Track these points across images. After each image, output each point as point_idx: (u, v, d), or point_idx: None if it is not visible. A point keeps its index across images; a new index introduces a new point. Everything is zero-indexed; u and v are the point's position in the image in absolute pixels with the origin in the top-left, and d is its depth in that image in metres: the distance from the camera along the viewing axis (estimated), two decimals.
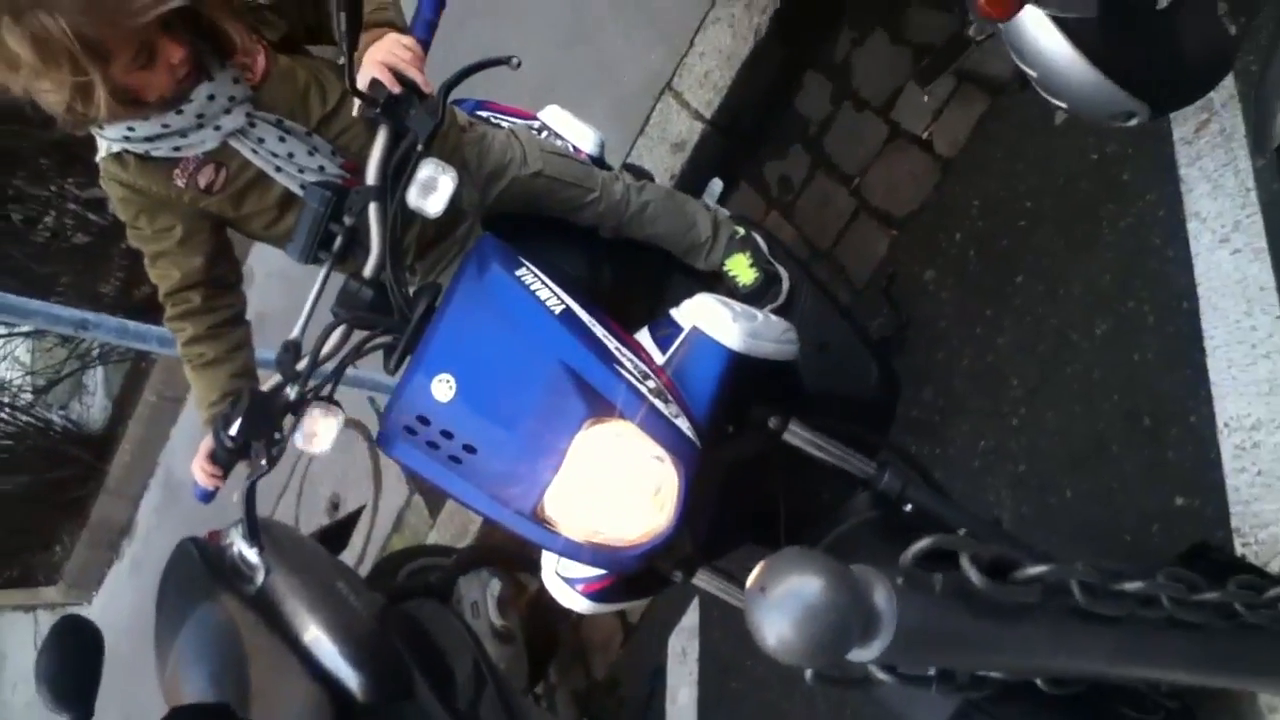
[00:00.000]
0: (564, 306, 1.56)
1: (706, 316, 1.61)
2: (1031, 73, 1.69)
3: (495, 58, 1.67)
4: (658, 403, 1.51)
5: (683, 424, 1.51)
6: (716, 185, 2.62)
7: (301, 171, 1.88)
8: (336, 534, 3.13)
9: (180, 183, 1.86)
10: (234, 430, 1.66)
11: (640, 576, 1.68)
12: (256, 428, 1.64)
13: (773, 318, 1.72)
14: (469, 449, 1.53)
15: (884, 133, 2.88)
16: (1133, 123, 1.70)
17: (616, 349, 1.55)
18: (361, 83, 1.64)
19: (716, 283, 2.30)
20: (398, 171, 1.63)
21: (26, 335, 5.97)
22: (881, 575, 1.17)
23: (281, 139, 1.85)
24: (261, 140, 1.85)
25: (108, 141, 1.85)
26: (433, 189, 1.61)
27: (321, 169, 1.89)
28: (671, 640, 2.96)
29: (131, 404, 5.81)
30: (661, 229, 2.21)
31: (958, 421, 2.39)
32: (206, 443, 1.79)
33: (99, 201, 5.80)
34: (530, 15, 3.88)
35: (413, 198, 1.61)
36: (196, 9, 1.69)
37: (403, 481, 3.96)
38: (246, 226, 1.97)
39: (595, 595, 1.69)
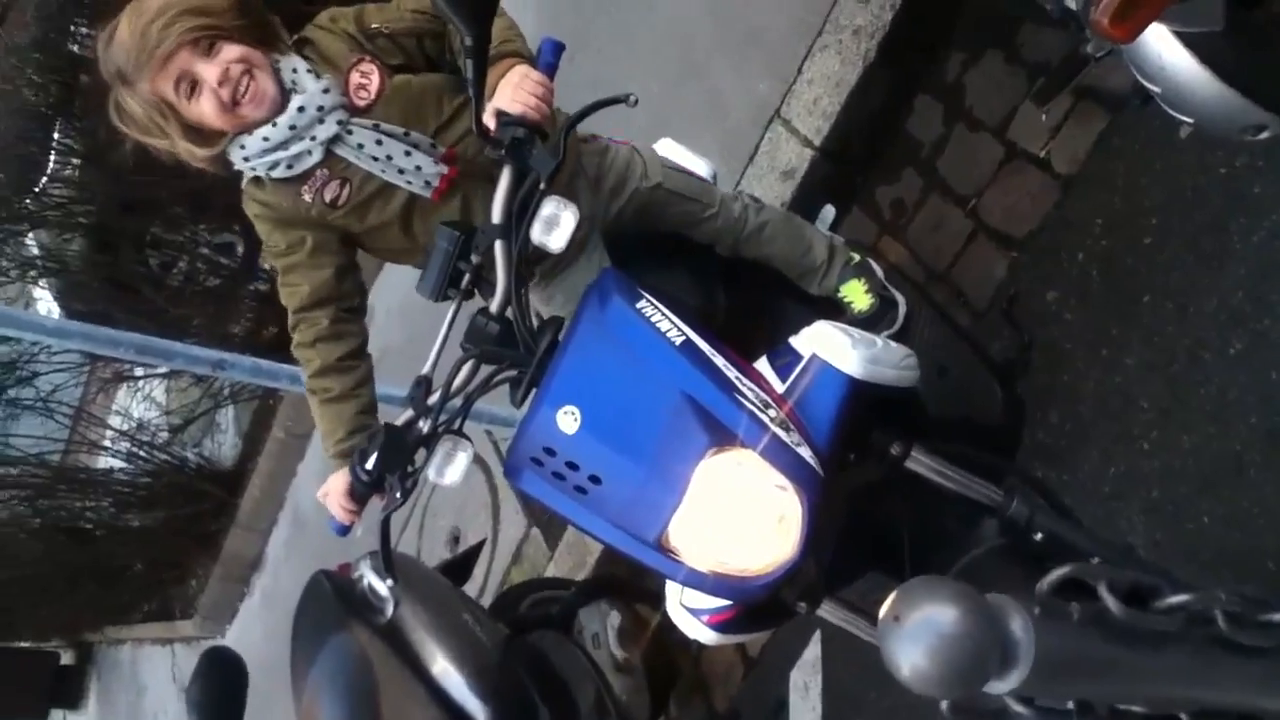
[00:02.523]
0: (684, 338, 1.58)
1: (826, 344, 1.61)
2: (1155, 89, 1.65)
3: (613, 96, 1.71)
4: (779, 431, 1.51)
5: (805, 452, 1.51)
6: (829, 212, 2.61)
7: (401, 172, 1.97)
8: (460, 567, 3.20)
9: (308, 198, 1.98)
10: (370, 464, 1.71)
11: (764, 608, 1.68)
12: (391, 462, 1.70)
13: (892, 344, 1.71)
14: (594, 479, 1.55)
15: (999, 153, 2.84)
16: (1264, 135, 1.64)
17: (737, 378, 1.56)
18: (489, 116, 1.71)
19: (831, 308, 2.29)
20: (521, 210, 1.68)
21: (163, 376, 6.24)
22: (1017, 604, 1.15)
23: (379, 141, 1.95)
24: (360, 146, 1.95)
25: (246, 171, 2.00)
26: (555, 225, 1.65)
27: (419, 168, 1.97)
28: (794, 674, 2.93)
29: (260, 440, 6.02)
30: (777, 250, 2.22)
31: (1086, 446, 2.32)
32: (342, 479, 1.86)
33: (229, 246, 6.06)
34: (639, 51, 3.93)
35: (536, 234, 1.65)
36: (210, 28, 1.85)
37: (521, 514, 4.02)
38: (373, 242, 2.06)
39: (720, 626, 1.69)
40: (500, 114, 1.73)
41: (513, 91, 1.75)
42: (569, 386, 1.57)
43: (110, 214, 5.81)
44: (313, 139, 1.92)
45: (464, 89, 2.00)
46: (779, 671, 2.98)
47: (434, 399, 1.70)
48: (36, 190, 5.88)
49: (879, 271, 2.29)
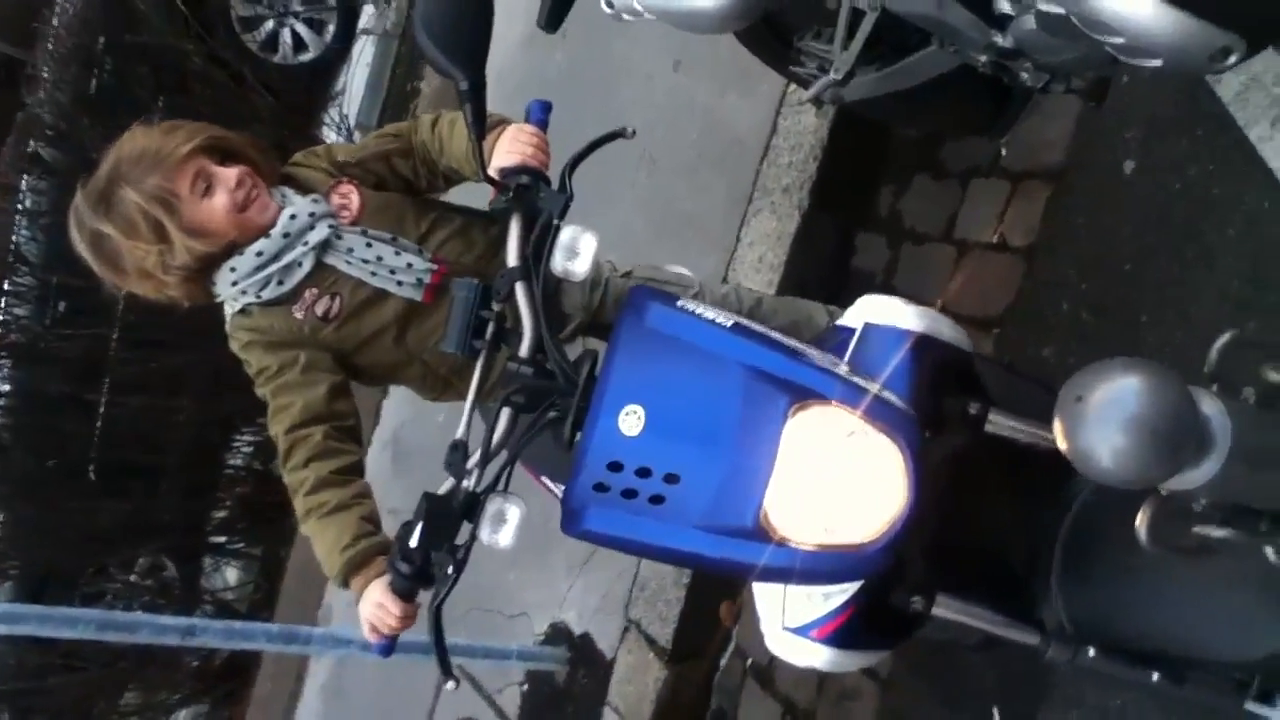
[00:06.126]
0: (734, 321, 1.50)
1: (876, 309, 1.55)
2: (1116, 40, 1.72)
3: (612, 131, 1.72)
4: (858, 380, 1.42)
5: (891, 397, 1.42)
6: None
7: (393, 272, 1.95)
8: None
9: (299, 316, 1.94)
10: (414, 541, 1.55)
11: (879, 615, 1.52)
12: (438, 536, 1.54)
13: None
14: (670, 479, 1.43)
15: (952, 253, 2.92)
16: (1232, 60, 1.70)
17: (797, 347, 1.49)
18: (492, 172, 1.72)
19: None
20: (536, 251, 1.63)
21: None
22: (1202, 389, 1.05)
23: (369, 244, 1.95)
24: (350, 250, 1.95)
25: (229, 304, 1.97)
26: (575, 252, 1.60)
27: (410, 265, 1.96)
28: None
29: None
30: (777, 324, 2.18)
31: None
32: (378, 588, 1.68)
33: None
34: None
35: (558, 264, 1.60)
36: (229, 145, 1.94)
37: None
38: (366, 358, 1.99)
39: (833, 639, 1.51)
40: (500, 171, 1.73)
41: (508, 145, 1.77)
42: (625, 388, 1.47)
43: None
44: (305, 245, 1.91)
45: (437, 207, 2.03)
46: None
47: (474, 460, 1.57)
48: None
49: None
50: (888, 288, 3.08)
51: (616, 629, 3.43)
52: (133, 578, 5.77)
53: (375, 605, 1.69)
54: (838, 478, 1.38)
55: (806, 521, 1.38)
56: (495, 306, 1.63)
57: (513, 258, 1.64)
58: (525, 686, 3.73)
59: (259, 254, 1.90)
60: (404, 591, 1.64)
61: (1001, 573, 1.59)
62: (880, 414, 1.38)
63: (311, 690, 5.03)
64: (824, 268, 3.27)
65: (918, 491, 1.37)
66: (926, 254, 3.00)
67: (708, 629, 3.22)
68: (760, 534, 1.39)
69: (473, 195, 2.04)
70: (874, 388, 1.41)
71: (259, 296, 1.93)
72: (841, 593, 1.47)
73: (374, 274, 1.94)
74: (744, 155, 3.46)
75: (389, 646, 1.72)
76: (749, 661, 3.13)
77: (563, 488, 2.29)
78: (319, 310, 1.94)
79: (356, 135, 5.94)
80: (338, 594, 4.77)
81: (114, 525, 5.59)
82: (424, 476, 1.73)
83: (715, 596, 3.20)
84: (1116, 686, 2.07)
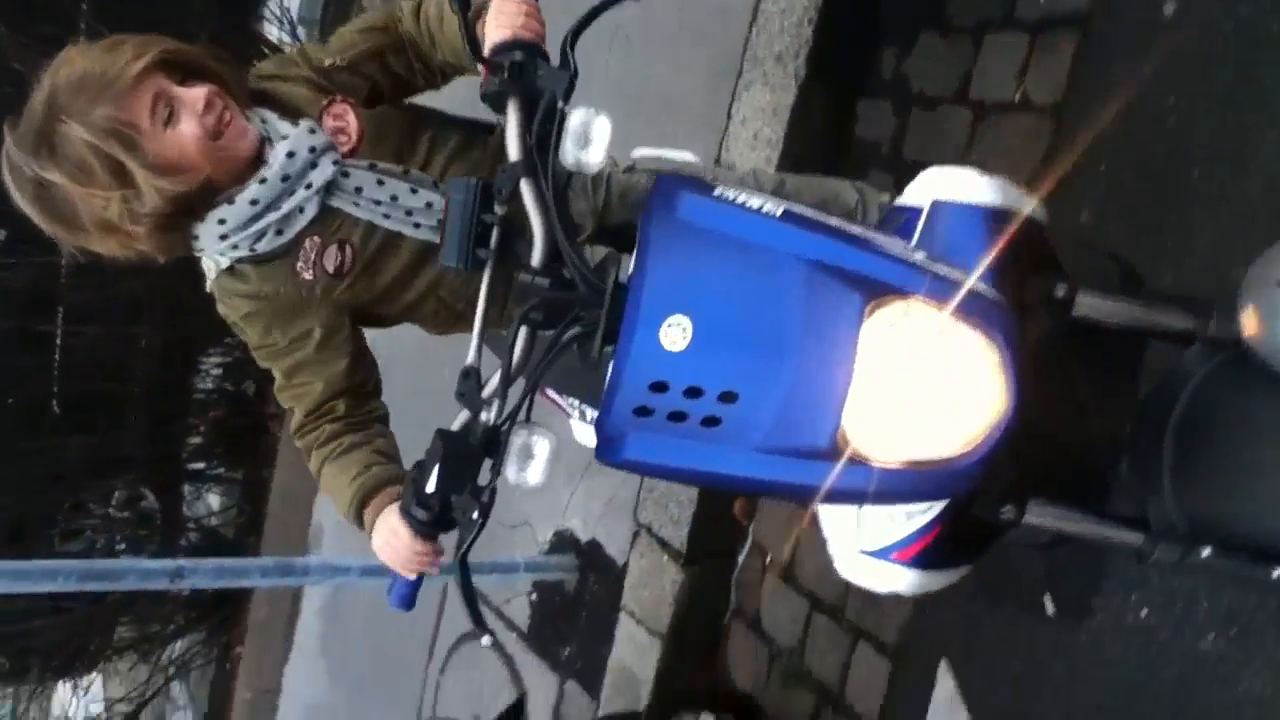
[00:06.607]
0: (784, 208, 1.29)
1: (946, 184, 1.35)
2: None
3: None
4: (940, 268, 1.22)
5: (981, 287, 1.22)
6: None
7: (409, 214, 1.68)
8: None
9: (308, 275, 1.66)
10: (431, 485, 1.35)
11: (962, 528, 1.35)
12: (458, 477, 1.34)
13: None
14: (727, 398, 1.22)
15: (968, 117, 2.69)
16: None
17: (864, 234, 1.28)
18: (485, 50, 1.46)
19: None
20: (540, 141, 1.39)
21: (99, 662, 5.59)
22: None
23: (380, 181, 1.67)
24: (359, 189, 1.66)
25: (213, 259, 1.67)
26: (588, 139, 1.36)
27: (429, 205, 1.69)
28: None
29: (225, 711, 5.37)
30: (804, 203, 1.97)
31: None
32: (391, 514, 1.50)
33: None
34: None
35: (569, 153, 1.36)
36: (187, 60, 1.60)
37: (550, 672, 3.54)
38: (388, 307, 1.75)
39: (917, 561, 1.34)
40: (490, 49, 1.47)
41: (495, 19, 1.49)
42: (664, 295, 1.25)
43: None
44: (308, 187, 1.63)
45: (430, 122, 1.77)
46: None
47: (491, 387, 1.37)
48: None
49: None
50: (895, 158, 2.86)
51: (626, 533, 3.29)
52: (111, 511, 5.56)
53: (389, 533, 1.50)
54: (926, 384, 1.19)
55: (891, 436, 1.19)
56: (498, 209, 1.40)
57: (514, 150, 1.40)
58: (534, 596, 3.61)
59: (253, 202, 1.61)
60: (424, 532, 1.45)
61: (1094, 470, 1.42)
62: (972, 308, 1.19)
63: (309, 612, 4.90)
64: (825, 141, 3.04)
65: (1018, 395, 1.18)
66: (939, 119, 2.77)
67: (723, 528, 3.09)
68: (836, 453, 1.20)
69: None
70: (961, 277, 1.21)
71: (253, 250, 1.65)
72: (926, 511, 1.30)
73: (387, 216, 1.67)
74: (730, 24, 3.19)
75: (410, 596, 1.53)
76: (768, 558, 3.00)
77: (572, 401, 2.11)
78: (329, 265, 1.66)
79: (301, 32, 5.57)
80: (327, 512, 4.61)
81: (83, 459, 5.36)
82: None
83: (728, 495, 3.05)
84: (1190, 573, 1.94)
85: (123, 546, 5.52)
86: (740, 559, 3.08)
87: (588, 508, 3.46)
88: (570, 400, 2.08)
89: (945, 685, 2.46)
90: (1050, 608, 2.22)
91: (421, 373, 2.75)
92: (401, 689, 4.20)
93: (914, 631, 2.56)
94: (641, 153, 2.19)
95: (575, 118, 1.37)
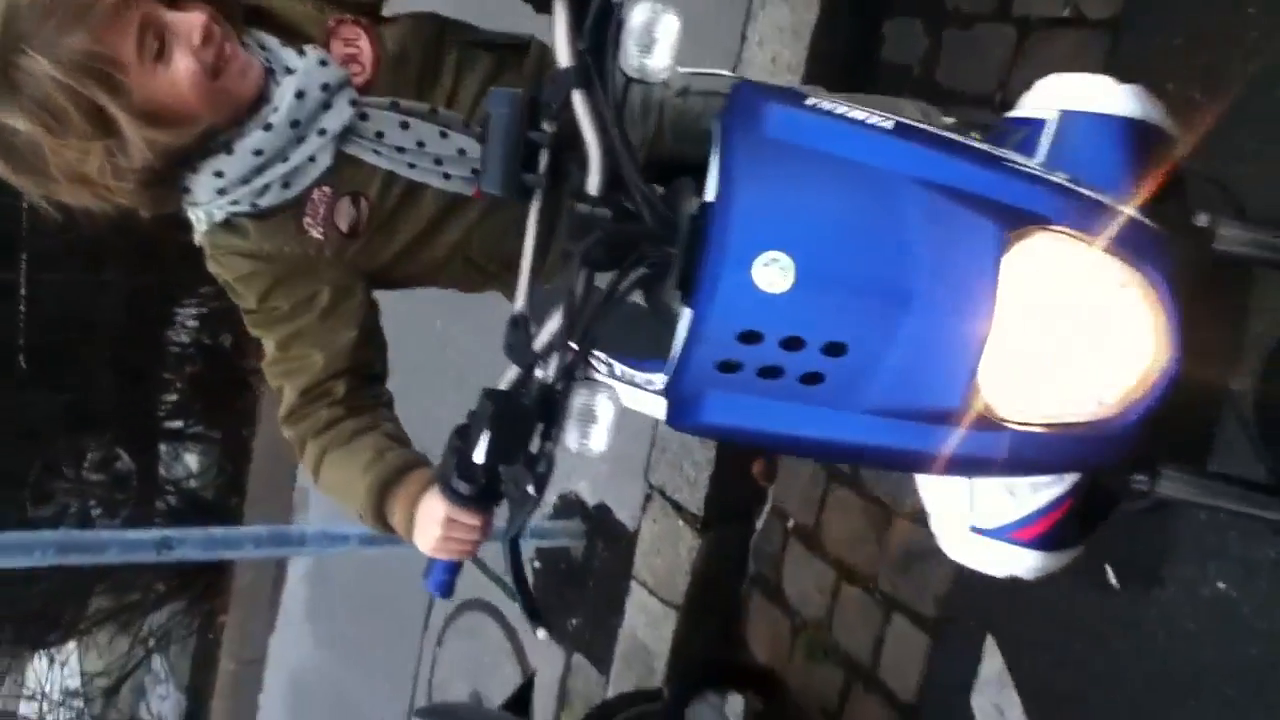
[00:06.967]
0: (894, 121, 1.08)
1: (1076, 91, 1.16)
2: None
3: None
4: (1089, 193, 1.02)
5: (1135, 213, 1.02)
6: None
7: (439, 162, 1.43)
8: (520, 703, 2.60)
9: (317, 233, 1.40)
10: (480, 455, 1.14)
11: (1090, 502, 1.16)
12: (509, 444, 1.13)
13: None
14: (833, 350, 1.02)
15: (1012, 35, 2.48)
16: None
17: (992, 150, 1.07)
18: None
19: None
20: (595, 45, 1.17)
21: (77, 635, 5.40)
22: None
23: (404, 125, 1.41)
24: (380, 134, 1.40)
25: (205, 212, 1.41)
26: (653, 38, 1.13)
27: (462, 152, 1.43)
28: (975, 702, 2.35)
29: (208, 683, 5.19)
30: None
31: None
32: (437, 503, 1.29)
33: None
34: None
35: (631, 58, 1.12)
36: None
37: (556, 647, 3.36)
38: (406, 267, 1.49)
39: (1041, 541, 1.15)
40: None
41: None
42: (757, 227, 1.04)
43: None
44: (320, 133, 1.37)
45: (456, 41, 1.51)
46: (952, 708, 2.40)
47: (546, 336, 1.15)
48: None
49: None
50: (929, 82, 2.64)
51: (637, 496, 3.10)
52: (84, 473, 5.31)
53: (445, 523, 1.28)
54: (1074, 332, 0.99)
55: (1032, 394, 1.00)
56: (546, 126, 1.17)
57: (563, 55, 1.15)
58: (537, 564, 3.42)
59: (257, 152, 1.35)
60: (473, 505, 1.25)
61: (1234, 431, 1.23)
62: (1128, 239, 0.99)
63: (295, 577, 4.71)
64: (849, 65, 2.82)
65: (1181, 344, 0.99)
66: (977, 39, 2.55)
67: (741, 491, 2.90)
68: (962, 415, 1.00)
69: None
70: (1111, 202, 1.01)
71: (254, 206, 1.40)
72: (1056, 483, 1.11)
73: (412, 165, 1.42)
74: None
75: (451, 582, 1.33)
76: (790, 522, 2.82)
77: (624, 364, 1.88)
78: (341, 222, 1.41)
79: None
80: None
81: (53, 416, 5.11)
82: None
83: (746, 453, 2.86)
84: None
85: (98, 511, 5.29)
86: (759, 523, 2.91)
87: (595, 468, 3.25)
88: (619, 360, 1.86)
89: (993, 662, 2.29)
90: (1113, 578, 2.05)
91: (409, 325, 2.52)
92: (394, 660, 4.03)
93: (955, 604, 2.38)
94: (686, 73, 1.96)
95: (637, 14, 1.13)
